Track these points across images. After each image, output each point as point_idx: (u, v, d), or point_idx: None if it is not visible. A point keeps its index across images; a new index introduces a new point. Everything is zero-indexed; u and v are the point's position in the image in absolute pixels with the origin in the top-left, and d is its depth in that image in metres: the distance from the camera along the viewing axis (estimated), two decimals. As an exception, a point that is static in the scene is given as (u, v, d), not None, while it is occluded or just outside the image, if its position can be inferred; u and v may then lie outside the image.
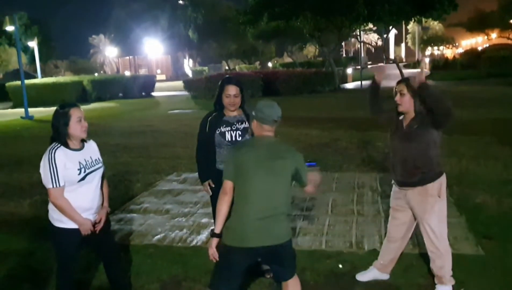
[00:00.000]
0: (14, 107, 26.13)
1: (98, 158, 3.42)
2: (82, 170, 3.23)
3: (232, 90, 3.92)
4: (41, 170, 3.19)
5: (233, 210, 2.99)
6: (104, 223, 3.45)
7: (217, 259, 3.00)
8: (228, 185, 3.00)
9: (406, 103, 3.51)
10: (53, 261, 3.44)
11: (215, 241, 3.03)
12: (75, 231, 3.26)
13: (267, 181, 2.96)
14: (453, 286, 3.69)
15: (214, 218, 4.04)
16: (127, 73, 53.44)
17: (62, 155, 3.17)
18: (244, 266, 3.02)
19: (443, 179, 3.62)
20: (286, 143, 3.18)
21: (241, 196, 2.96)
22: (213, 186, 3.99)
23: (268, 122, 3.03)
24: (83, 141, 3.36)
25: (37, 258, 4.75)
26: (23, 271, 4.50)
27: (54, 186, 3.14)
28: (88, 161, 3.30)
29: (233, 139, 3.92)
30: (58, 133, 3.23)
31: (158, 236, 5.26)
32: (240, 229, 2.92)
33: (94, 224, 3.35)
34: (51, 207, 3.29)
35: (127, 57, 75.17)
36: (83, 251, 3.56)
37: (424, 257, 4.10)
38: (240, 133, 3.95)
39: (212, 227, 4.94)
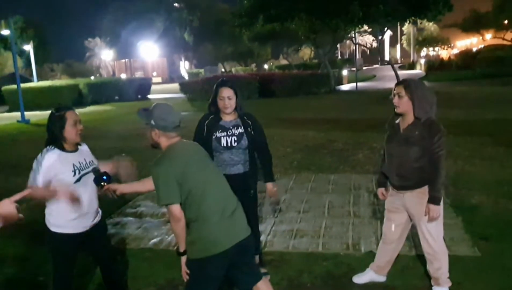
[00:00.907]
0: (10, 111, 26.09)
1: (92, 161, 3.42)
2: (77, 171, 3.24)
3: (226, 92, 3.91)
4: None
5: (190, 225, 2.85)
6: (101, 228, 3.45)
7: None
8: (177, 209, 2.79)
9: (404, 105, 3.51)
10: (50, 266, 3.42)
11: (184, 259, 2.91)
12: (72, 236, 3.26)
13: (213, 179, 2.92)
14: (449, 287, 3.70)
15: None
16: (123, 76, 53.41)
17: (52, 158, 3.17)
18: (219, 274, 2.90)
19: (440, 181, 3.62)
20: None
21: (199, 206, 2.81)
22: None
23: (172, 129, 2.90)
24: (77, 144, 3.36)
25: (34, 262, 4.74)
26: (20, 276, 4.49)
27: (30, 183, 3.12)
28: (82, 163, 3.30)
29: (229, 144, 3.91)
30: (53, 136, 3.23)
31: (155, 239, 5.25)
32: (209, 237, 2.80)
33: (94, 227, 3.36)
34: (47, 211, 3.28)
35: (123, 60, 75.06)
36: (80, 255, 3.54)
37: (421, 259, 4.11)
38: (235, 139, 3.93)
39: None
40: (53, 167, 3.16)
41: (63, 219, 3.23)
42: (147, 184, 3.21)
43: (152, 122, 2.89)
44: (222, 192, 2.93)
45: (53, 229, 3.27)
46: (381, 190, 3.90)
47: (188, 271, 2.89)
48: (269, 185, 4.19)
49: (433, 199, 3.48)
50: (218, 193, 2.89)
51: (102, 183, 3.23)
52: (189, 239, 2.85)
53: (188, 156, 2.91)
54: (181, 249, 2.89)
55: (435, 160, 3.45)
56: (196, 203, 2.81)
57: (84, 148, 3.46)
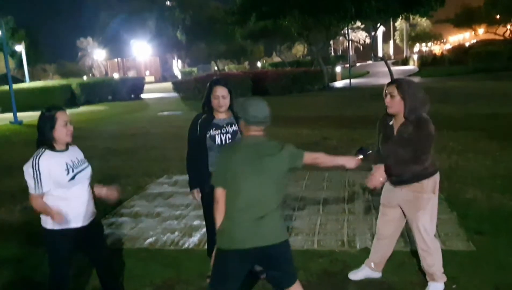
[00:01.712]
0: (2, 112, 25.92)
1: (83, 159, 3.43)
2: (70, 170, 3.24)
3: (220, 91, 3.91)
4: (26, 176, 3.21)
5: (225, 214, 2.95)
6: (97, 228, 3.45)
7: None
8: (218, 192, 2.93)
9: (396, 105, 3.48)
10: (46, 267, 3.42)
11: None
12: (68, 231, 3.26)
13: (254, 181, 2.91)
14: (445, 282, 3.71)
15: (206, 221, 4.05)
16: (116, 76, 53.16)
17: (46, 161, 3.17)
18: (239, 269, 2.94)
19: (437, 177, 3.62)
20: (275, 139, 3.07)
21: (230, 199, 2.91)
22: (200, 195, 3.99)
23: (252, 122, 2.95)
24: (67, 144, 3.36)
25: (29, 264, 4.71)
26: (15, 278, 4.47)
27: (37, 192, 3.19)
28: (74, 161, 3.30)
29: (223, 142, 3.91)
30: (43, 136, 3.23)
31: (150, 239, 5.24)
32: (231, 231, 2.88)
33: (89, 226, 3.36)
34: None
35: (116, 60, 74.78)
36: (76, 256, 3.53)
37: (416, 255, 4.10)
38: (229, 136, 3.93)
39: (204, 229, 4.94)
40: (48, 169, 3.16)
41: None
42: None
43: (241, 113, 3.02)
44: (258, 194, 2.91)
45: (49, 226, 3.27)
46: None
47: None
48: None
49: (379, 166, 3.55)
50: (252, 194, 2.90)
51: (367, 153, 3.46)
52: (219, 227, 2.95)
53: (243, 149, 2.98)
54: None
55: (415, 155, 3.43)
56: (230, 195, 2.90)
57: (75, 147, 3.46)
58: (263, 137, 3.02)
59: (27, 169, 3.18)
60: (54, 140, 3.24)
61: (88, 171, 3.41)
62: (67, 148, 3.34)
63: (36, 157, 3.19)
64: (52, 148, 3.24)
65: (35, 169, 3.15)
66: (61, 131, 3.23)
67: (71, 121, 3.31)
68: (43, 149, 3.22)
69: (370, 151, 3.50)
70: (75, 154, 3.38)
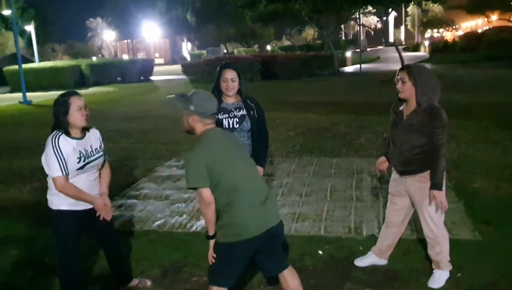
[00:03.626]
0: (11, 91, 26.07)
1: (99, 147, 3.43)
2: (82, 159, 3.25)
3: (229, 74, 3.93)
4: (44, 159, 3.20)
5: (222, 210, 2.90)
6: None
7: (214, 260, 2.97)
8: (208, 192, 2.84)
9: (407, 91, 3.50)
10: (54, 248, 3.46)
11: (212, 242, 2.97)
12: (74, 213, 3.30)
13: (245, 167, 2.96)
14: (450, 271, 3.73)
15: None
16: (125, 57, 53.09)
17: (64, 143, 3.19)
18: (246, 257, 2.97)
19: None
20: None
21: (230, 192, 2.84)
22: None
23: (209, 116, 2.96)
24: (84, 129, 3.37)
25: (39, 244, 4.79)
26: (25, 258, 4.54)
27: (64, 173, 3.16)
28: (88, 150, 3.31)
29: (230, 126, 3.93)
30: (58, 122, 3.24)
31: (158, 222, 5.29)
32: (238, 223, 2.85)
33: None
34: (50, 192, 3.31)
35: (125, 41, 74.63)
36: (84, 237, 3.58)
37: (422, 243, 4.14)
38: (237, 120, 3.95)
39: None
40: (66, 151, 3.18)
41: (64, 197, 3.26)
42: None
43: (192, 107, 2.93)
44: (254, 180, 2.96)
45: (55, 207, 3.30)
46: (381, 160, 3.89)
47: (214, 255, 2.95)
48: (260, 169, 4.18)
49: (435, 186, 3.48)
50: (250, 181, 2.93)
51: None
52: (220, 223, 2.91)
53: (221, 142, 2.96)
54: (210, 233, 2.95)
55: (435, 148, 3.44)
56: (227, 189, 2.85)
57: (93, 133, 3.45)
58: (218, 128, 3.07)
59: (49, 152, 3.16)
60: (69, 125, 3.24)
61: (99, 160, 3.42)
62: (83, 135, 3.34)
63: (54, 139, 3.18)
64: (68, 134, 3.24)
65: (57, 150, 3.15)
66: (76, 116, 3.23)
67: (86, 105, 3.31)
68: (60, 132, 3.22)
69: None
70: (90, 142, 3.37)
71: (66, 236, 3.37)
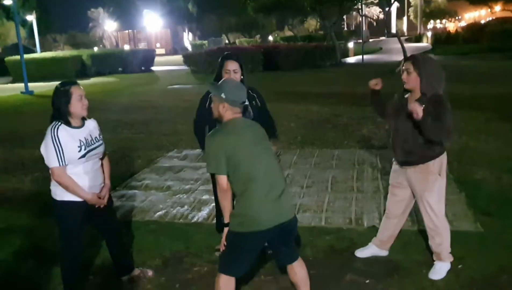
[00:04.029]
0: (13, 82, 26.03)
1: (98, 136, 3.45)
2: (83, 147, 3.26)
3: (231, 65, 3.92)
4: (43, 149, 3.22)
5: (236, 199, 2.94)
6: (107, 201, 3.50)
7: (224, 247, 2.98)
8: (224, 179, 2.89)
9: (412, 81, 3.50)
10: (57, 237, 3.48)
11: (226, 230, 2.98)
12: (77, 204, 3.31)
13: (265, 160, 2.95)
14: (451, 262, 3.74)
15: (215, 196, 4.08)
16: (127, 47, 53.01)
17: (63, 133, 3.19)
18: (257, 248, 3.00)
19: (444, 158, 3.62)
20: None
21: (246, 182, 2.86)
22: None
23: (239, 105, 2.98)
24: (83, 119, 3.38)
25: (40, 234, 4.80)
26: (27, 247, 4.56)
27: (60, 164, 3.18)
28: (88, 139, 3.32)
29: None
30: (59, 112, 3.25)
31: (160, 212, 5.30)
32: (250, 214, 2.85)
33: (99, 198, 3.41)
34: (53, 182, 3.32)
35: (126, 31, 74.43)
36: (86, 227, 3.59)
37: (423, 234, 4.14)
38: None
39: (212, 204, 4.98)
40: (65, 141, 3.18)
41: None
42: None
43: (223, 95, 2.94)
44: (271, 173, 2.95)
45: (59, 198, 3.32)
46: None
47: (225, 243, 2.96)
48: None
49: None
50: (266, 173, 2.92)
51: None
52: (233, 211, 2.94)
53: (243, 132, 2.96)
54: (226, 220, 2.97)
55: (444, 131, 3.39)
56: (243, 179, 2.87)
57: (91, 122, 3.47)
58: (244, 118, 3.10)
59: (47, 143, 3.18)
60: (70, 115, 3.26)
61: (100, 149, 3.43)
62: (82, 124, 3.35)
63: (54, 129, 3.19)
64: (68, 124, 3.25)
65: (56, 141, 3.16)
66: (77, 106, 3.25)
67: (85, 95, 3.33)
68: (59, 123, 3.23)
69: None
70: (89, 130, 3.38)
71: (70, 226, 3.39)
